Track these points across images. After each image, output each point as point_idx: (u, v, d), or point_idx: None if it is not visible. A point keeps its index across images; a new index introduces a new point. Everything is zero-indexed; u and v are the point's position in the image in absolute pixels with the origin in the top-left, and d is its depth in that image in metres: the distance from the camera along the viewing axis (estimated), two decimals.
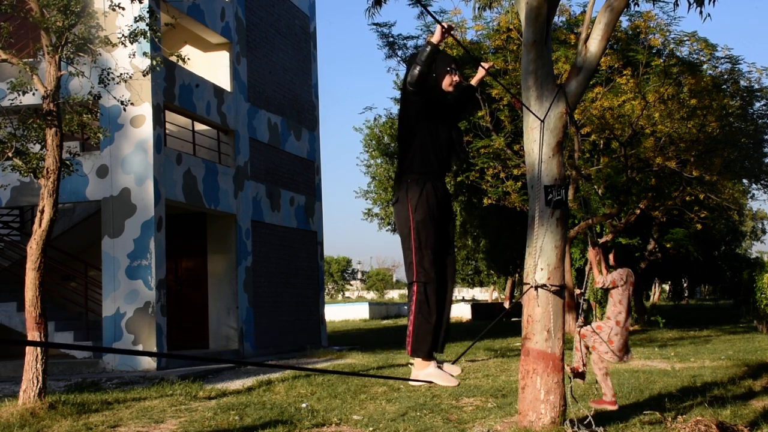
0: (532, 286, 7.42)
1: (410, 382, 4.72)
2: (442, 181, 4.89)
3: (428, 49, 4.61)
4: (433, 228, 4.71)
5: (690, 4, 8.73)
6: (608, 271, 8.56)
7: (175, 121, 17.03)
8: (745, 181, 27.15)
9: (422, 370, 4.71)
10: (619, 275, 8.31)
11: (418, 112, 4.77)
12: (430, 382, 4.69)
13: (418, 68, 4.64)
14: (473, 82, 5.19)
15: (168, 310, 15.75)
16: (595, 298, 20.72)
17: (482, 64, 5.11)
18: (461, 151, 4.99)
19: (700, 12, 8.92)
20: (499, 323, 29.59)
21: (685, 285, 61.97)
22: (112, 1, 10.61)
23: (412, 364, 4.87)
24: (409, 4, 19.78)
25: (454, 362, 5.05)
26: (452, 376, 4.76)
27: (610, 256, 8.71)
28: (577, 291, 8.33)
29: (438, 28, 4.57)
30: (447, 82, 4.86)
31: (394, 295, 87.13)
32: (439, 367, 4.77)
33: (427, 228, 4.69)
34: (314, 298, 21.37)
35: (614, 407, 8.27)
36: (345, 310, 48.82)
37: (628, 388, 10.20)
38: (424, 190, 4.71)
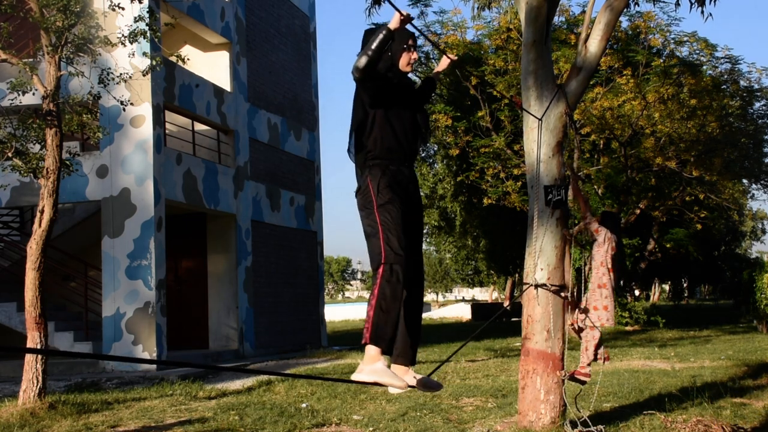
0: (531, 286, 7.42)
1: (353, 377, 4.08)
2: (410, 167, 4.45)
3: (381, 35, 4.10)
4: (399, 212, 4.22)
5: (692, 4, 8.72)
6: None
7: (175, 121, 17.03)
8: (745, 181, 27.17)
9: (369, 365, 4.05)
10: (605, 231, 7.49)
11: (374, 99, 4.29)
12: (376, 384, 4.07)
13: (366, 56, 4.12)
14: (435, 72, 4.88)
15: (168, 310, 15.75)
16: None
17: (447, 55, 4.72)
18: (427, 134, 4.55)
19: (702, 12, 8.92)
20: (499, 323, 29.58)
21: (685, 285, 62.02)
22: (112, 1, 10.60)
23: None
24: (409, 4, 19.79)
25: (439, 367, 4.82)
26: (403, 378, 4.20)
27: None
28: (564, 293, 7.97)
29: (395, 15, 4.07)
30: (405, 61, 4.40)
31: None
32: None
33: (393, 211, 4.20)
34: (314, 298, 21.36)
35: (588, 378, 7.41)
36: (345, 310, 48.89)
37: (628, 388, 10.19)
38: (387, 173, 4.28)
